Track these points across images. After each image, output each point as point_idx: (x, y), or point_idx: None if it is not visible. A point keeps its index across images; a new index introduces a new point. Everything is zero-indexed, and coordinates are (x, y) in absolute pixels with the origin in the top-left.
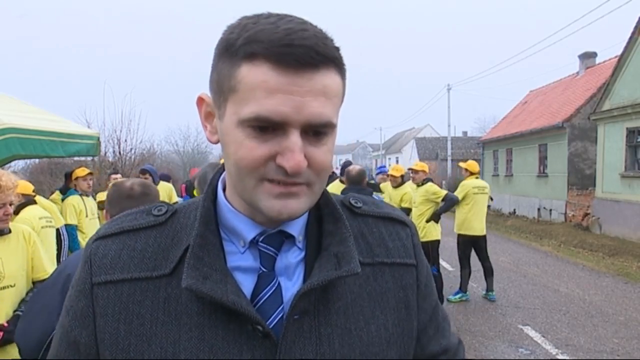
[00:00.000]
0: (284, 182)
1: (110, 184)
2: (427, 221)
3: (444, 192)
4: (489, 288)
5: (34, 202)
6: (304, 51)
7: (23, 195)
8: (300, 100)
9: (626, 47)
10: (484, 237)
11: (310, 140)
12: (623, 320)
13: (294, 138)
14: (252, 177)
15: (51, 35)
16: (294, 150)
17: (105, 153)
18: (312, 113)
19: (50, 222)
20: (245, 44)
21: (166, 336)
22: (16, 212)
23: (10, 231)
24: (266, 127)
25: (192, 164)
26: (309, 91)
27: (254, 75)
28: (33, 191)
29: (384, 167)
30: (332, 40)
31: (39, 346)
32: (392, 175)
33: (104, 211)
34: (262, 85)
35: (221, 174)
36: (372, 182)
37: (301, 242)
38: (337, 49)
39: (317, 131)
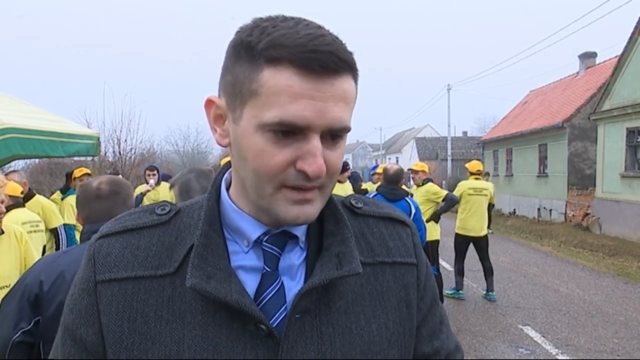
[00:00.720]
0: (303, 188)
1: (78, 185)
2: (427, 221)
3: (444, 192)
4: (489, 288)
5: (22, 205)
6: (327, 57)
7: (10, 197)
8: (323, 105)
9: (626, 47)
10: (484, 237)
11: (328, 144)
12: (623, 320)
13: (316, 142)
14: (271, 184)
15: (51, 36)
16: (315, 155)
17: (105, 153)
18: (334, 118)
19: (37, 226)
20: (269, 47)
21: (170, 335)
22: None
23: (2, 232)
24: (287, 132)
25: (192, 164)
26: (331, 96)
27: (278, 79)
28: (21, 193)
29: (377, 166)
30: (346, 45)
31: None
32: (379, 174)
33: (76, 214)
34: (286, 90)
35: (224, 173)
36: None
37: (303, 242)
38: (352, 53)
39: (334, 135)
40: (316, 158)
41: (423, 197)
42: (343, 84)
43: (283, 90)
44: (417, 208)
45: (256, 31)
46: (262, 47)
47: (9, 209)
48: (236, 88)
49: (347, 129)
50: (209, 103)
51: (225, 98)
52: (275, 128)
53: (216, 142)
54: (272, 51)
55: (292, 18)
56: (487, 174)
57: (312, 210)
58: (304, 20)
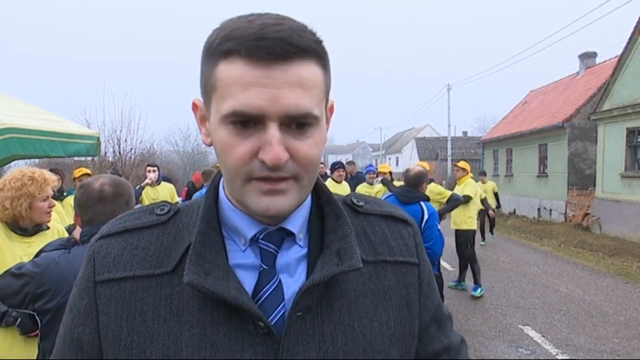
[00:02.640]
0: (270, 178)
1: (77, 185)
2: None
3: (449, 192)
4: (461, 279)
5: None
6: (275, 43)
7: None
8: (276, 92)
9: (626, 47)
10: (468, 232)
11: (293, 133)
12: (623, 320)
13: (272, 131)
14: (239, 177)
15: (51, 37)
16: (271, 143)
17: (105, 153)
18: (289, 104)
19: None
20: (221, 42)
21: (168, 333)
22: None
23: (48, 227)
24: (247, 123)
25: (192, 164)
26: (284, 83)
27: (230, 71)
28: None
29: (372, 166)
30: (311, 33)
31: None
32: (381, 173)
33: (73, 215)
34: (237, 81)
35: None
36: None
37: (302, 240)
38: (317, 41)
39: (300, 123)
40: (272, 147)
41: None
42: (298, 70)
43: (234, 81)
44: (432, 214)
45: (217, 30)
46: (217, 43)
47: None
48: (204, 87)
49: (310, 116)
50: (194, 106)
51: (202, 98)
52: (232, 119)
53: (202, 142)
54: (223, 45)
55: (260, 13)
56: (484, 173)
57: (285, 201)
58: (270, 14)
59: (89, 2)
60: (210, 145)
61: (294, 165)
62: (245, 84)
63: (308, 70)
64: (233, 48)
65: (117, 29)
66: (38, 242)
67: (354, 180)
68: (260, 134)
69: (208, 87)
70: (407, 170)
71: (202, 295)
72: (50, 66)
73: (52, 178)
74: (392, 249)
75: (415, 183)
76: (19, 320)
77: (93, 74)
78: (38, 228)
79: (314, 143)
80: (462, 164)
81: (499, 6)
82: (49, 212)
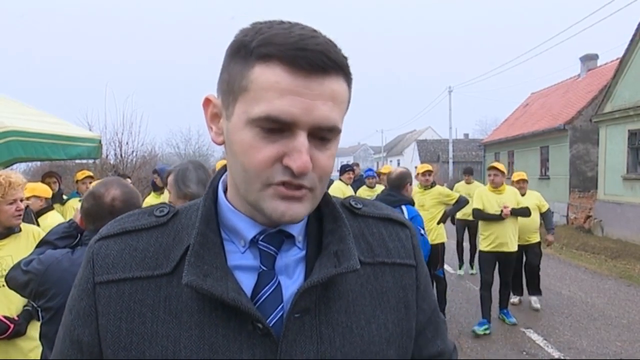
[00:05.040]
0: (290, 185)
1: (86, 192)
2: (438, 223)
3: (456, 194)
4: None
5: (52, 208)
6: (316, 55)
7: (45, 199)
8: (310, 102)
9: (628, 49)
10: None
11: (316, 144)
12: (626, 323)
13: (302, 139)
14: (258, 180)
15: (50, 40)
16: (301, 151)
17: (107, 156)
18: (321, 116)
19: None
20: (260, 45)
21: (167, 334)
22: (38, 216)
23: (20, 230)
24: (274, 128)
25: None
26: (319, 95)
27: (267, 76)
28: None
29: (372, 170)
30: (341, 49)
31: None
32: (383, 174)
33: (79, 218)
34: (274, 86)
35: (222, 175)
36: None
37: (301, 242)
38: (346, 57)
39: (323, 137)
40: (302, 154)
41: (435, 199)
42: (332, 84)
43: (271, 86)
44: (414, 217)
45: (251, 31)
46: (254, 45)
47: (41, 212)
48: (229, 85)
49: (336, 129)
50: (207, 102)
51: (220, 96)
52: (263, 124)
53: (212, 141)
54: (263, 48)
55: (290, 22)
56: (469, 171)
57: (301, 209)
58: (301, 24)
59: (89, 3)
60: (220, 144)
61: (312, 176)
62: (282, 91)
63: (339, 85)
64: (273, 53)
65: (117, 30)
66: (10, 244)
67: (357, 182)
68: (288, 140)
69: (235, 87)
70: (389, 173)
71: (200, 296)
72: (50, 66)
73: (20, 182)
74: (390, 251)
75: (398, 185)
76: None
77: (93, 74)
78: (9, 231)
79: (331, 155)
80: (499, 165)
81: (499, 9)
82: (17, 215)
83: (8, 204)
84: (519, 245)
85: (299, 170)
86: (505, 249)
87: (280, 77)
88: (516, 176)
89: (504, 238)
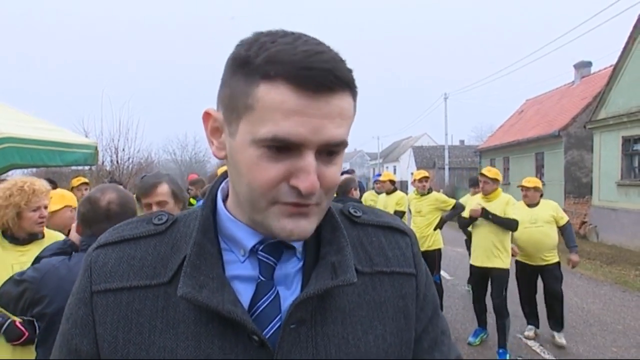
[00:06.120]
0: (296, 204)
1: (83, 198)
2: (434, 229)
3: (453, 200)
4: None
5: None
6: (323, 75)
7: (74, 208)
8: (318, 122)
9: (621, 56)
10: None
11: (323, 159)
12: (621, 328)
13: (310, 159)
14: (264, 199)
15: (50, 43)
16: (309, 172)
17: (103, 162)
18: (330, 135)
19: None
20: (265, 63)
21: (163, 345)
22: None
23: (44, 236)
24: (281, 148)
25: (190, 173)
26: (327, 114)
27: (273, 96)
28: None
29: (380, 175)
30: (346, 63)
31: None
32: (382, 181)
33: (75, 224)
34: (280, 107)
35: (221, 182)
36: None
37: (300, 252)
38: (351, 71)
39: (331, 151)
40: (309, 175)
41: (431, 205)
42: (339, 102)
43: (277, 106)
44: None
45: (255, 46)
46: (258, 63)
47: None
48: (232, 102)
49: (343, 144)
50: (207, 116)
51: (222, 111)
52: (269, 144)
53: (213, 155)
54: (268, 67)
55: (292, 33)
56: (475, 181)
57: (308, 225)
58: (304, 36)
59: (88, 2)
60: (222, 158)
61: (320, 191)
62: (288, 112)
63: (346, 101)
64: (279, 73)
65: (116, 31)
66: (32, 251)
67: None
68: (294, 160)
69: (239, 105)
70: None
71: (197, 307)
72: (50, 66)
73: (44, 189)
74: (389, 260)
75: (344, 191)
76: (4, 328)
77: (90, 76)
78: (33, 237)
79: (337, 169)
80: (492, 172)
81: (495, 16)
82: (40, 223)
83: (32, 210)
84: (534, 267)
85: (306, 191)
86: (490, 265)
87: (287, 96)
88: (524, 182)
89: (487, 251)
